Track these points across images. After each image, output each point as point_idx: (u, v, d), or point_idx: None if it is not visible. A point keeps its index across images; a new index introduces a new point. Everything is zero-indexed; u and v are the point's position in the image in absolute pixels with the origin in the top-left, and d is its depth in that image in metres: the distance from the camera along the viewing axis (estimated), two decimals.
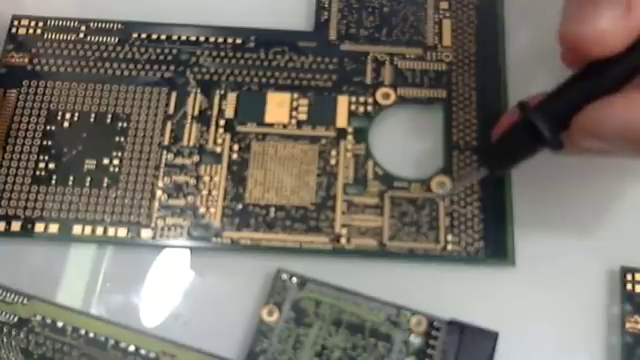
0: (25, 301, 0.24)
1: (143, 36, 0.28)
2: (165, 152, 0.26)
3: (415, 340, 0.23)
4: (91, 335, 0.23)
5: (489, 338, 0.23)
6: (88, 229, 0.25)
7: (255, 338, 0.23)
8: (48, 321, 0.24)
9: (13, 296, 0.24)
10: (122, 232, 0.25)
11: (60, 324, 0.24)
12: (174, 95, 0.27)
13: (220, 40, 0.28)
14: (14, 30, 0.29)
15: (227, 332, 0.24)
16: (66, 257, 0.25)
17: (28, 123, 0.27)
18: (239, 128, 0.27)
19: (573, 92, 0.21)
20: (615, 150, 0.21)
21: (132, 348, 0.23)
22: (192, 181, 0.26)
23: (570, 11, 0.20)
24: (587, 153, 0.21)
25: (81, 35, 0.28)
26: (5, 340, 0.23)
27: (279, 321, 0.23)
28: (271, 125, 0.27)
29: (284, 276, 0.24)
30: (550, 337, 0.24)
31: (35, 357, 0.23)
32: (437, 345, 0.23)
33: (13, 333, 0.23)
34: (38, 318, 0.24)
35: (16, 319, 0.24)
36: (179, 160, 0.26)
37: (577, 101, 0.21)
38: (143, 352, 0.23)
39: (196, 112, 0.27)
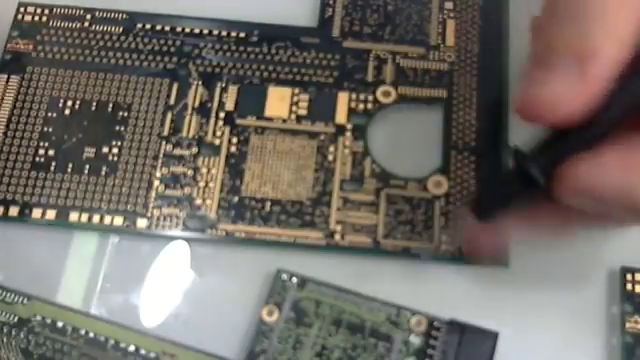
0: (25, 301, 0.24)
1: (147, 27, 0.28)
2: (164, 143, 0.26)
3: (415, 340, 0.23)
4: (91, 335, 0.24)
5: (489, 338, 0.23)
6: (85, 216, 0.25)
7: (255, 338, 0.23)
8: (48, 321, 0.24)
9: (13, 296, 0.24)
10: (118, 220, 0.25)
11: (60, 324, 0.24)
12: (175, 86, 0.27)
13: (224, 33, 0.28)
14: (20, 17, 0.29)
15: (225, 331, 0.24)
16: (62, 246, 0.26)
17: (30, 109, 0.27)
18: (239, 121, 0.27)
19: (561, 140, 0.20)
20: (611, 213, 0.19)
21: (132, 348, 0.23)
22: (190, 172, 0.26)
23: (526, 75, 0.19)
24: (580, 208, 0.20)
25: (86, 24, 0.29)
26: (5, 340, 0.23)
27: (279, 321, 0.23)
28: (271, 119, 0.27)
29: (284, 276, 0.24)
30: (550, 337, 0.24)
31: (35, 357, 0.23)
32: (437, 345, 0.23)
33: (13, 333, 0.24)
34: (38, 318, 0.24)
35: (16, 319, 0.24)
36: (178, 151, 0.26)
37: (567, 149, 0.19)
38: (143, 352, 0.23)
39: (196, 104, 0.27)
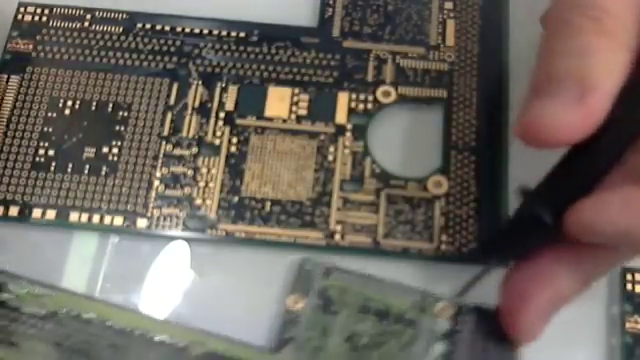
0: (53, 293, 0.24)
1: (147, 27, 0.28)
2: (164, 143, 0.26)
3: (442, 326, 0.23)
4: (119, 326, 0.23)
5: None
6: (85, 216, 0.25)
7: (282, 327, 0.23)
8: (75, 313, 0.23)
9: (40, 288, 0.24)
10: (118, 220, 0.25)
11: (87, 315, 0.23)
12: (175, 86, 0.27)
13: (224, 33, 0.28)
14: (20, 17, 0.29)
15: (226, 331, 0.24)
16: (62, 246, 0.26)
17: (30, 109, 0.27)
18: (239, 121, 0.27)
19: (565, 178, 0.21)
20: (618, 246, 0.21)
21: (161, 338, 0.23)
22: (190, 172, 0.26)
23: (527, 102, 0.21)
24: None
25: (86, 24, 0.29)
26: (34, 332, 0.23)
27: (306, 310, 0.23)
28: (270, 119, 0.27)
29: (309, 265, 0.24)
30: (550, 337, 0.24)
31: (64, 348, 0.23)
32: (464, 330, 0.23)
33: (42, 325, 0.23)
34: (65, 310, 0.24)
35: (45, 311, 0.24)
36: (178, 151, 0.26)
37: (571, 188, 0.20)
38: (172, 341, 0.23)
39: (196, 104, 0.27)
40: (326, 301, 0.24)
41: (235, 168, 0.26)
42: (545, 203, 0.21)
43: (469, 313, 0.23)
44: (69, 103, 0.27)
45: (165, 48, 0.28)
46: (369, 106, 0.27)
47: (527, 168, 0.26)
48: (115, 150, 0.26)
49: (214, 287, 0.25)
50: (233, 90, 0.27)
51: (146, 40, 0.28)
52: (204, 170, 0.26)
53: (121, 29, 0.28)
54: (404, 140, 0.27)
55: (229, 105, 0.27)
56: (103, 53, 0.28)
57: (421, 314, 0.23)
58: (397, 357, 0.23)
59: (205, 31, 0.28)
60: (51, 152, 0.26)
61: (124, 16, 0.29)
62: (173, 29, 0.28)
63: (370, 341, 0.23)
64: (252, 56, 0.28)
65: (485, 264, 0.23)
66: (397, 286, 0.24)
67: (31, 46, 0.28)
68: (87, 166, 0.26)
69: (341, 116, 0.27)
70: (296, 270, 0.24)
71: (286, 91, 0.27)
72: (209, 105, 0.27)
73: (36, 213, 0.25)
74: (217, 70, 0.28)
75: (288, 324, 0.23)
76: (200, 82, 0.27)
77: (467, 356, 0.23)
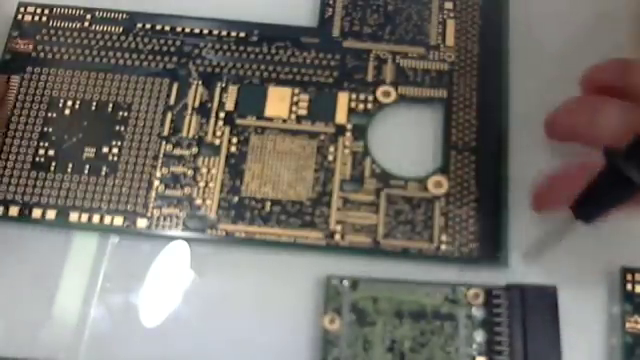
0: None
1: (147, 27, 0.28)
2: (164, 143, 0.26)
3: (478, 312, 0.23)
4: None
5: (549, 292, 0.23)
6: (85, 216, 0.25)
7: (323, 348, 0.23)
8: None
9: None
10: (118, 220, 0.25)
11: None
12: (175, 86, 0.27)
13: (224, 33, 0.28)
14: (20, 17, 0.29)
15: (227, 332, 0.24)
16: (62, 246, 0.26)
17: (30, 109, 0.27)
18: (239, 121, 0.27)
19: None
20: None
21: None
22: (190, 172, 0.26)
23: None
24: None
25: (86, 24, 0.29)
26: None
27: (343, 327, 0.23)
28: (270, 119, 0.27)
29: (334, 281, 0.24)
30: None
31: None
32: (501, 312, 0.23)
33: None
34: None
35: None
36: (178, 151, 0.26)
37: None
38: None
39: (196, 104, 0.27)
40: (360, 314, 0.24)
41: (235, 168, 0.26)
42: (635, 164, 0.20)
43: (501, 293, 0.23)
44: (69, 103, 0.27)
45: (165, 48, 0.28)
46: (369, 106, 0.27)
47: (526, 167, 0.26)
48: (115, 150, 0.26)
49: (212, 288, 0.25)
50: (233, 90, 0.27)
51: (146, 40, 0.28)
52: (204, 170, 0.26)
53: (121, 29, 0.28)
54: (404, 140, 0.27)
55: (229, 105, 0.27)
56: (103, 53, 0.28)
57: (455, 305, 0.23)
58: (442, 353, 0.23)
59: (205, 31, 0.28)
60: (51, 152, 0.26)
61: (124, 16, 0.29)
62: (173, 29, 0.28)
63: (413, 344, 0.23)
64: (252, 56, 0.28)
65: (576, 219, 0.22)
66: (424, 283, 0.24)
67: (31, 46, 0.28)
68: (87, 166, 0.26)
69: (341, 116, 0.27)
70: (324, 289, 0.24)
71: (286, 91, 0.27)
72: (209, 105, 0.27)
73: (36, 213, 0.25)
74: (217, 70, 0.28)
75: (328, 345, 0.23)
76: (200, 82, 0.27)
77: (509, 335, 0.23)
